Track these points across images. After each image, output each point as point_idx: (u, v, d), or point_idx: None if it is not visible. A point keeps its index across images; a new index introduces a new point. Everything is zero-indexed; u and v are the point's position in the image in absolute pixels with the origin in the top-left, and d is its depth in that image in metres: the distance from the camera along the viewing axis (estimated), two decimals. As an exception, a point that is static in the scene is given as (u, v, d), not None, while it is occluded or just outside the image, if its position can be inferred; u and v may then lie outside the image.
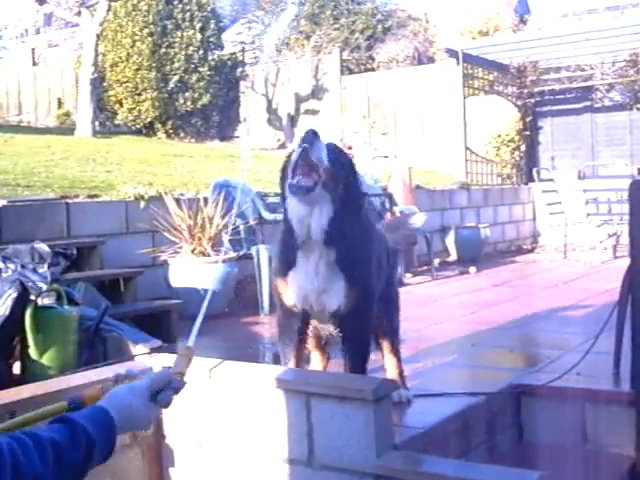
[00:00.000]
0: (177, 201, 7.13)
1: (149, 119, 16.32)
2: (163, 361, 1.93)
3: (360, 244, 3.41)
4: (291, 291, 3.40)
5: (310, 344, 3.76)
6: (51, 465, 1.55)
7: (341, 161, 3.31)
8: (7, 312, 4.39)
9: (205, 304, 2.30)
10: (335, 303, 3.35)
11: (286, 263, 3.38)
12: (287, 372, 3.54)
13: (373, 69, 19.12)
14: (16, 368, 4.59)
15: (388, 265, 3.80)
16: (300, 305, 3.41)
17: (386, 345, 3.88)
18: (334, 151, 3.28)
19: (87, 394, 1.96)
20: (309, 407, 3.32)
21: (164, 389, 1.94)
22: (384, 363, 3.92)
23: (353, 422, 3.20)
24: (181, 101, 16.29)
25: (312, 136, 3.13)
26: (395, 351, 3.92)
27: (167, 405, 1.96)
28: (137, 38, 16.05)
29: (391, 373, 3.87)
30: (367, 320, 3.50)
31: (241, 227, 7.40)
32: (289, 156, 3.30)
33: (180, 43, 16.30)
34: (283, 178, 3.32)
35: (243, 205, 7.49)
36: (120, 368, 1.99)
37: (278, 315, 3.63)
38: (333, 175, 3.21)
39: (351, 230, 3.32)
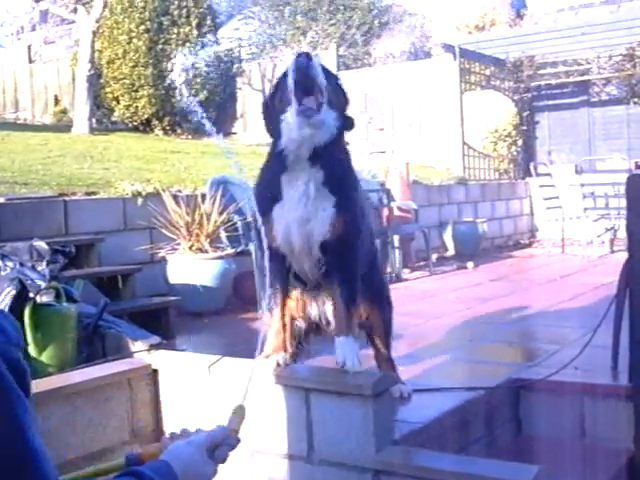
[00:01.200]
0: (175, 198, 7.13)
1: (146, 116, 16.30)
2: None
3: (349, 170, 3.37)
4: (276, 228, 3.27)
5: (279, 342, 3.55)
6: None
7: (336, 80, 3.31)
8: (6, 310, 4.40)
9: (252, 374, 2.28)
10: (323, 230, 3.23)
11: (270, 197, 3.26)
12: (286, 368, 3.54)
13: (370, 64, 19.12)
14: (15, 366, 4.59)
15: (371, 243, 3.77)
16: (284, 243, 3.28)
17: (377, 339, 3.79)
18: (327, 71, 3.25)
19: (146, 452, 1.96)
20: (308, 402, 3.33)
21: (220, 445, 1.94)
22: (375, 358, 3.84)
23: (352, 417, 3.21)
24: (178, 98, 16.28)
25: (306, 59, 3.09)
26: (387, 345, 3.83)
27: (223, 461, 1.93)
28: (133, 35, 16.03)
29: (384, 368, 3.80)
30: (356, 252, 3.36)
31: (239, 223, 7.40)
32: (282, 78, 3.25)
33: (177, 40, 16.27)
34: (276, 100, 3.27)
35: (241, 201, 7.49)
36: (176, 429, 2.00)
37: (260, 265, 3.54)
38: (335, 94, 3.21)
39: (343, 153, 3.31)
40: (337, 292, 3.33)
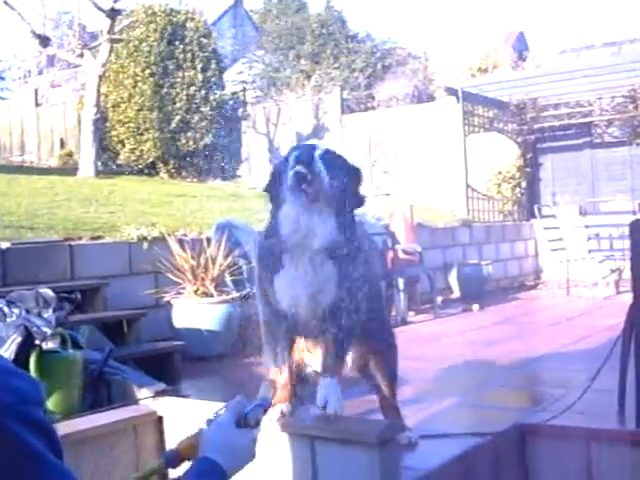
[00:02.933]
0: (180, 242, 7.15)
1: (151, 159, 16.38)
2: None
3: (355, 249, 3.37)
4: (279, 296, 3.32)
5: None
6: None
7: (341, 169, 3.26)
8: (12, 357, 4.40)
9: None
10: (328, 301, 3.27)
11: (270, 267, 3.31)
12: (291, 416, 3.54)
13: (373, 107, 19.25)
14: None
15: (376, 290, 3.77)
16: (287, 309, 3.32)
17: (382, 386, 3.79)
18: (332, 160, 3.22)
19: (182, 446, 1.97)
20: (313, 450, 3.32)
21: (250, 411, 1.98)
22: (380, 405, 3.84)
23: (358, 465, 3.20)
24: (183, 141, 16.38)
25: (309, 155, 3.11)
26: (392, 393, 3.83)
27: (258, 422, 2.00)
28: (139, 79, 16.16)
29: (388, 415, 3.80)
30: (356, 306, 3.38)
31: (244, 267, 7.41)
32: (279, 166, 3.29)
33: (182, 83, 16.40)
34: (275, 185, 3.28)
35: (246, 245, 7.51)
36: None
37: (264, 316, 3.54)
38: (336, 189, 3.18)
39: (349, 236, 3.31)
40: (330, 337, 3.37)
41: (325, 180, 3.10)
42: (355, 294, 3.39)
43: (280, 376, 3.49)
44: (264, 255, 3.41)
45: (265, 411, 2.05)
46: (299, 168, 3.06)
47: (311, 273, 3.23)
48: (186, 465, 1.91)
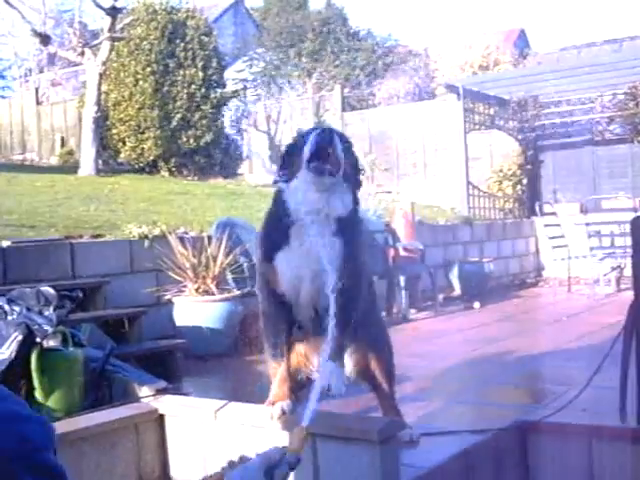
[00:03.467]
0: (181, 240, 7.16)
1: (152, 157, 16.36)
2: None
3: (358, 229, 3.46)
4: (281, 276, 3.32)
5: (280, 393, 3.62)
6: None
7: (352, 153, 3.38)
8: (13, 355, 4.40)
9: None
10: (333, 276, 3.20)
11: (275, 245, 3.30)
12: (291, 414, 3.54)
13: (374, 105, 19.25)
14: (22, 411, 4.58)
15: (369, 287, 3.79)
16: (291, 292, 3.33)
17: (380, 386, 3.79)
18: (346, 142, 3.32)
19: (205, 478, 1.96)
20: (315, 448, 3.32)
21: (278, 466, 1.95)
22: (379, 402, 3.84)
23: (359, 463, 3.20)
24: (184, 139, 16.37)
25: (329, 134, 3.17)
26: (390, 390, 3.84)
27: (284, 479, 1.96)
28: (140, 77, 16.14)
29: (388, 413, 3.79)
30: (358, 293, 3.44)
31: (245, 265, 7.42)
32: (295, 141, 3.37)
33: (182, 81, 16.38)
34: (289, 158, 3.33)
35: (247, 243, 7.52)
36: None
37: (264, 306, 3.54)
38: (351, 167, 3.29)
39: (357, 218, 3.41)
40: (332, 321, 3.35)
41: (342, 158, 3.17)
42: (359, 274, 3.42)
43: (278, 372, 3.52)
44: (269, 231, 3.40)
45: (292, 469, 2.02)
46: (321, 143, 3.13)
47: (317, 247, 3.22)
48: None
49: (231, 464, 1.97)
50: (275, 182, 3.47)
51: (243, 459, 1.98)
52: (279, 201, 3.31)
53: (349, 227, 3.30)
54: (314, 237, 3.22)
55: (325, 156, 3.12)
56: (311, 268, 3.25)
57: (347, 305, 3.35)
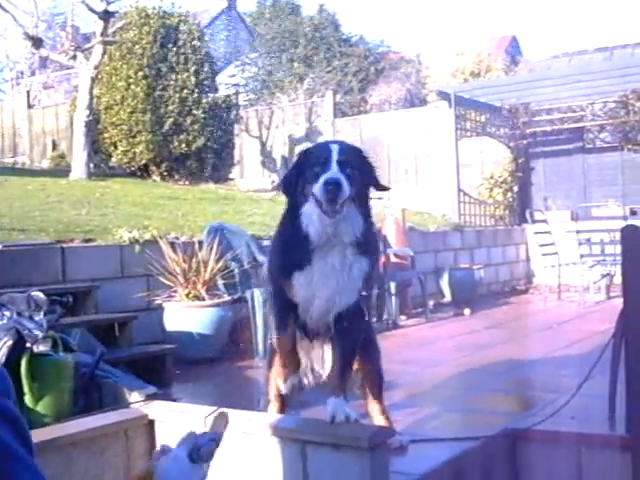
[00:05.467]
0: (172, 245, 7.15)
1: (144, 161, 16.35)
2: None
3: (373, 246, 3.48)
4: (297, 290, 3.34)
5: (272, 393, 3.72)
6: None
7: (361, 170, 3.30)
8: (2, 360, 4.39)
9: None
10: (347, 301, 3.32)
11: (294, 263, 3.31)
12: (283, 420, 3.54)
13: (366, 111, 19.27)
14: (11, 415, 4.57)
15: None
16: (302, 305, 3.36)
17: (370, 391, 3.80)
18: (350, 156, 3.26)
19: (135, 476, 2.00)
20: (305, 455, 3.32)
21: (203, 444, 2.01)
22: (368, 409, 3.84)
23: (349, 470, 3.20)
24: (175, 143, 16.35)
25: (336, 183, 3.10)
26: (380, 397, 3.85)
27: (210, 457, 2.03)
28: (132, 81, 16.13)
29: (377, 419, 3.80)
30: (363, 320, 3.49)
31: (236, 271, 7.42)
32: (305, 157, 3.32)
33: (174, 86, 16.37)
34: (294, 182, 3.30)
35: (237, 249, 7.52)
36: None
37: (276, 309, 3.56)
38: (358, 192, 3.22)
39: (370, 234, 3.38)
40: (337, 354, 3.42)
41: (349, 186, 3.13)
42: (369, 296, 3.49)
43: (273, 387, 3.62)
44: (288, 248, 3.39)
45: (217, 445, 2.07)
46: (327, 186, 3.09)
47: (338, 269, 3.26)
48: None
49: (155, 456, 2.02)
50: (280, 190, 3.45)
51: (165, 449, 2.02)
52: (297, 221, 3.28)
53: (363, 250, 3.30)
54: (331, 262, 3.26)
55: (335, 196, 3.08)
56: (327, 290, 3.29)
57: (353, 338, 3.44)
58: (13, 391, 1.44)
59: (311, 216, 3.21)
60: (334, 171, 3.12)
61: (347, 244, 3.24)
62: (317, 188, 3.11)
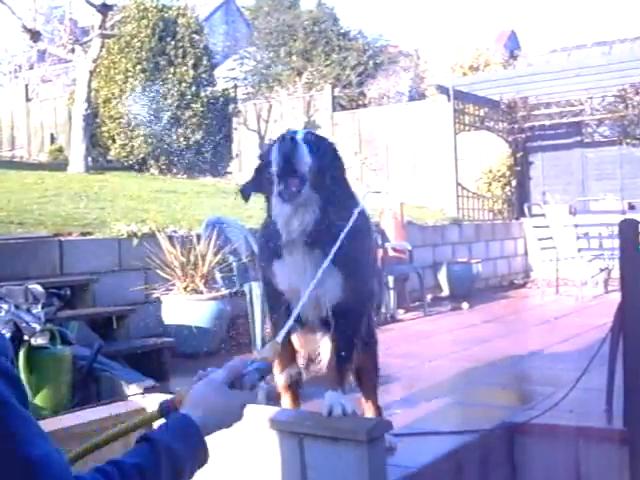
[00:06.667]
0: (170, 238, 7.14)
1: (142, 155, 16.35)
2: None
3: (351, 238, 3.12)
4: (278, 283, 3.33)
5: (281, 385, 3.68)
6: None
7: (325, 154, 3.22)
8: None
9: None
10: (334, 295, 3.25)
11: (273, 253, 3.29)
12: (280, 413, 3.54)
13: (365, 105, 19.25)
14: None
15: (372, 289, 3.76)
16: (289, 295, 3.30)
17: (365, 384, 3.80)
18: (315, 145, 3.18)
19: (178, 397, 1.95)
20: (302, 448, 3.32)
21: (246, 374, 1.94)
22: (361, 402, 3.81)
23: (347, 462, 3.20)
24: (174, 137, 16.34)
25: (291, 143, 3.04)
26: (374, 391, 3.84)
27: (253, 387, 1.95)
28: (130, 74, 16.12)
29: (369, 413, 3.78)
30: (362, 315, 3.45)
31: (234, 264, 7.41)
32: (265, 155, 3.26)
33: (173, 79, 16.37)
34: (261, 174, 3.27)
35: (236, 242, 7.51)
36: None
37: (267, 300, 3.56)
38: (319, 173, 3.13)
39: (339, 224, 3.08)
40: (335, 348, 3.38)
41: (307, 170, 3.07)
42: (359, 288, 3.39)
43: (280, 380, 3.60)
44: (263, 246, 3.43)
45: (262, 377, 2.01)
46: (280, 171, 3.04)
47: (307, 264, 3.20)
48: None
49: (200, 376, 1.95)
50: (245, 192, 3.42)
51: (207, 372, 1.96)
52: (268, 217, 3.28)
53: (328, 242, 3.00)
54: (301, 253, 3.21)
55: (289, 175, 3.03)
56: (305, 282, 3.14)
57: (349, 332, 3.39)
58: (11, 351, 1.47)
59: (277, 206, 3.17)
60: (292, 138, 3.07)
61: (310, 234, 3.16)
62: (273, 157, 3.06)
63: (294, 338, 3.55)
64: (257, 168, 3.37)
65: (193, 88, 16.57)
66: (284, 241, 3.21)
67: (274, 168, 3.07)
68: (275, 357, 2.16)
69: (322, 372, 3.57)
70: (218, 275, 7.24)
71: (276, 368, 3.59)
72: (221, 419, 1.87)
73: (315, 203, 3.16)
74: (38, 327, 4.59)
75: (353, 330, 3.42)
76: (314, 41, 21.82)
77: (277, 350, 2.15)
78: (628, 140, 14.52)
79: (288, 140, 3.06)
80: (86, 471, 1.52)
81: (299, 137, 3.12)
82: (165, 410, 1.94)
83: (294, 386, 3.69)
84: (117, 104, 16.17)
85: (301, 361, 3.63)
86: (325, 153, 3.24)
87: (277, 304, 3.42)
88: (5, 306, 4.67)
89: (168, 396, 2.05)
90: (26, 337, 4.52)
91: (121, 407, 4.14)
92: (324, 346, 3.53)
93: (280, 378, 3.61)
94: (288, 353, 3.53)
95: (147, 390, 4.51)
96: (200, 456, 1.77)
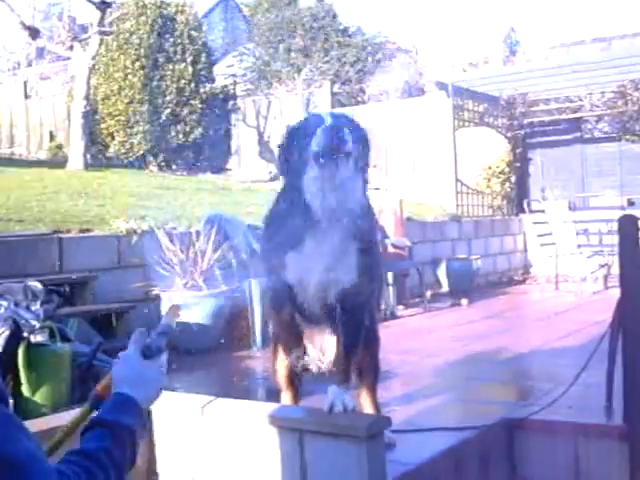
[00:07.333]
0: (169, 235, 7.14)
1: (141, 152, 16.35)
2: None
3: (370, 215, 3.36)
4: (292, 271, 3.23)
5: (282, 381, 3.69)
6: (111, 470, 1.62)
7: (361, 138, 3.20)
8: (0, 350, 4.39)
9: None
10: (345, 279, 3.21)
11: (288, 242, 3.18)
12: (280, 409, 3.54)
13: (364, 102, 19.23)
14: (8, 405, 4.57)
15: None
16: (297, 286, 3.26)
17: (365, 380, 3.76)
18: (354, 127, 3.16)
19: (100, 387, 2.03)
20: (302, 444, 3.32)
21: (152, 341, 2.04)
22: (361, 399, 3.78)
23: (346, 459, 3.20)
24: (173, 134, 16.35)
25: (333, 122, 3.02)
26: (373, 387, 3.82)
27: (160, 350, 2.04)
28: (129, 71, 16.13)
29: (367, 410, 3.76)
30: (367, 304, 3.43)
31: (233, 261, 7.41)
32: (301, 126, 3.19)
33: (172, 76, 16.38)
34: (294, 150, 3.16)
35: (235, 239, 7.50)
36: None
37: (271, 292, 3.48)
38: (361, 155, 3.13)
39: (368, 207, 3.28)
40: (341, 342, 3.37)
41: (352, 147, 3.02)
42: (374, 277, 3.39)
43: (282, 377, 3.64)
44: (282, 227, 3.24)
45: (167, 337, 2.09)
46: (329, 137, 2.97)
47: (333, 245, 3.15)
48: None
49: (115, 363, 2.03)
50: (279, 175, 3.35)
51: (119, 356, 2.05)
52: (293, 197, 3.16)
53: (364, 228, 3.19)
54: (331, 240, 3.15)
55: (334, 151, 2.97)
56: (323, 270, 3.19)
57: (357, 322, 3.38)
58: None
59: (311, 187, 3.06)
60: (331, 120, 3.04)
61: (348, 217, 3.10)
62: (315, 140, 2.99)
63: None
64: (281, 152, 3.28)
65: (192, 85, 16.58)
66: (315, 219, 3.10)
67: (314, 148, 2.99)
68: (175, 319, 2.21)
69: (326, 368, 3.55)
70: (217, 272, 7.24)
71: (281, 353, 3.59)
72: (150, 389, 1.96)
73: (351, 183, 3.10)
74: (37, 324, 4.60)
75: (358, 322, 3.39)
76: (313, 38, 21.80)
77: (178, 314, 2.22)
78: (627, 136, 14.52)
79: (334, 124, 3.02)
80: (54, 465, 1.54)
81: (339, 120, 3.09)
82: (94, 403, 2.01)
83: (295, 382, 3.69)
84: (116, 101, 16.17)
85: (305, 357, 3.60)
86: (359, 138, 3.18)
87: (282, 289, 3.34)
88: (4, 303, 4.66)
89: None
90: (25, 334, 4.52)
91: (74, 415, 4.13)
92: (328, 342, 3.51)
93: (281, 366, 3.61)
94: (293, 337, 3.51)
95: (146, 387, 4.50)
96: (142, 423, 1.86)
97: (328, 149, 2.97)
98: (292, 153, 3.17)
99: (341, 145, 2.98)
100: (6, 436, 1.36)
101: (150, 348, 2.02)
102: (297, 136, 3.17)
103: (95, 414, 1.86)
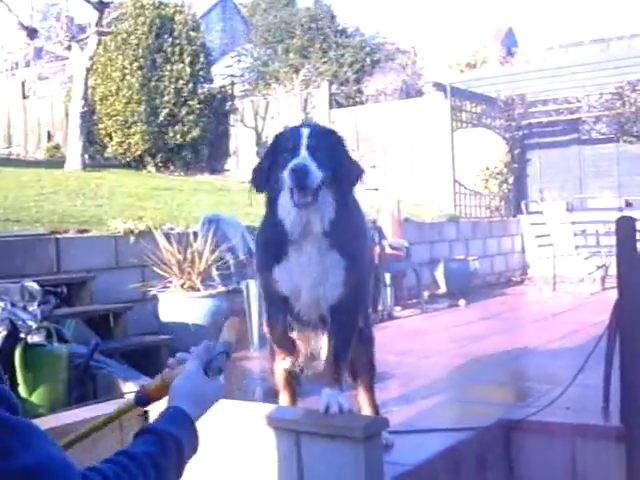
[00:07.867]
0: (167, 235, 7.13)
1: (139, 152, 16.35)
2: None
3: (355, 230, 3.37)
4: (281, 285, 3.28)
5: (279, 382, 3.70)
6: (153, 477, 1.62)
7: (333, 153, 3.18)
8: (-4, 350, 4.39)
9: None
10: (335, 293, 3.24)
11: (273, 257, 3.25)
12: (277, 410, 3.54)
13: (362, 102, 19.23)
14: (5, 406, 4.56)
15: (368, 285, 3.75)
16: (290, 297, 3.30)
17: (363, 381, 3.78)
18: (324, 147, 3.14)
19: (151, 388, 2.04)
20: (299, 445, 3.32)
21: (213, 359, 2.05)
22: (359, 399, 3.81)
23: (344, 460, 3.19)
24: (171, 134, 16.34)
25: (303, 169, 3.00)
26: (370, 388, 3.83)
27: (221, 370, 2.07)
28: (127, 72, 16.12)
29: (366, 411, 3.78)
30: (357, 312, 3.44)
31: (231, 261, 7.41)
32: (275, 145, 3.24)
33: (170, 77, 16.37)
34: (265, 177, 3.22)
35: (233, 239, 7.50)
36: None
37: (265, 301, 3.51)
38: (331, 178, 3.11)
39: (348, 218, 3.27)
40: (332, 345, 3.37)
41: (320, 171, 3.04)
42: (361, 286, 3.41)
43: (280, 378, 3.64)
44: (267, 241, 3.35)
45: (228, 357, 2.10)
46: (294, 173, 2.99)
47: (315, 261, 3.19)
48: (156, 405, 2.01)
49: (170, 365, 2.05)
50: (256, 188, 3.37)
51: (180, 360, 2.05)
52: (274, 213, 3.22)
53: (339, 240, 3.21)
54: (307, 254, 3.20)
55: (303, 183, 2.99)
56: (308, 282, 3.24)
57: (346, 329, 3.38)
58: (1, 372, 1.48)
59: (286, 207, 3.13)
60: (302, 156, 3.04)
61: (320, 234, 3.16)
62: (285, 175, 3.03)
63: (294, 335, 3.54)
64: (258, 167, 3.33)
65: (190, 85, 16.57)
66: (292, 239, 3.18)
67: (287, 181, 3.03)
68: (234, 334, 2.22)
69: (320, 369, 3.56)
70: (215, 272, 7.24)
71: (279, 356, 3.59)
72: (204, 407, 1.98)
73: (325, 205, 3.15)
74: (34, 325, 4.59)
75: (350, 327, 3.41)
76: (311, 38, 21.79)
77: (237, 328, 2.22)
78: (625, 137, 14.53)
79: (299, 171, 3.01)
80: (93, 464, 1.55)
81: (307, 142, 3.09)
82: (140, 400, 2.04)
83: (293, 383, 3.69)
84: (114, 101, 16.16)
85: (301, 359, 3.61)
86: (333, 152, 3.20)
87: (276, 306, 3.40)
88: (1, 304, 4.66)
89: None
90: (22, 335, 4.51)
91: (118, 405, 4.13)
92: (323, 344, 3.52)
93: (279, 367, 3.61)
94: (289, 341, 3.51)
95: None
96: (194, 443, 1.88)
97: (297, 187, 3.02)
98: (270, 168, 3.21)
99: (308, 184, 3.01)
100: (25, 445, 1.36)
101: (211, 366, 2.04)
102: (276, 151, 3.22)
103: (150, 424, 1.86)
